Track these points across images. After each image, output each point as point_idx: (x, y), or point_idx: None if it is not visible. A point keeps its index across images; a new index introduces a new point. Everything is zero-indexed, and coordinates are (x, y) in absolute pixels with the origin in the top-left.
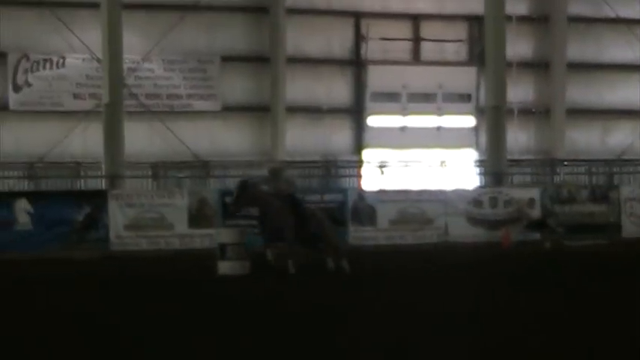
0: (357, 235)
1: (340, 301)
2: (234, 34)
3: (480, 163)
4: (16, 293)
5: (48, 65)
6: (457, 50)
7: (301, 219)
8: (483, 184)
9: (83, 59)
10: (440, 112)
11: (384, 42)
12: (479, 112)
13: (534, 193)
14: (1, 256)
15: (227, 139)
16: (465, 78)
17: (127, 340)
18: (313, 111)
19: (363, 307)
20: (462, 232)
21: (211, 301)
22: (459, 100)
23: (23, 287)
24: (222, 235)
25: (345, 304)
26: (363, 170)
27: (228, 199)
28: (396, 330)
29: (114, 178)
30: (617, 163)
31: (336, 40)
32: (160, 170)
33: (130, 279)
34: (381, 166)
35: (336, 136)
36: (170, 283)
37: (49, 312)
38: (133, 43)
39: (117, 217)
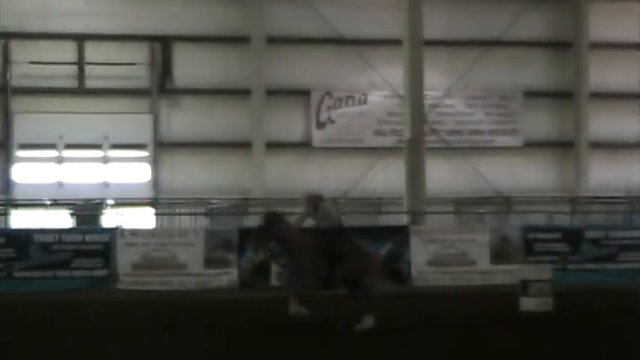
0: None
1: None
2: (536, 70)
3: None
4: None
5: (350, 102)
6: None
7: (339, 260)
8: None
9: (385, 96)
10: None
11: None
12: None
13: None
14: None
15: (529, 175)
16: None
17: None
18: (617, 146)
19: None
20: None
21: (513, 338)
22: None
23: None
24: (525, 271)
25: None
26: None
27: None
28: None
29: (415, 214)
30: None
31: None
32: (462, 206)
33: (431, 315)
34: None
35: None
36: (472, 319)
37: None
38: (435, 79)
39: (419, 252)
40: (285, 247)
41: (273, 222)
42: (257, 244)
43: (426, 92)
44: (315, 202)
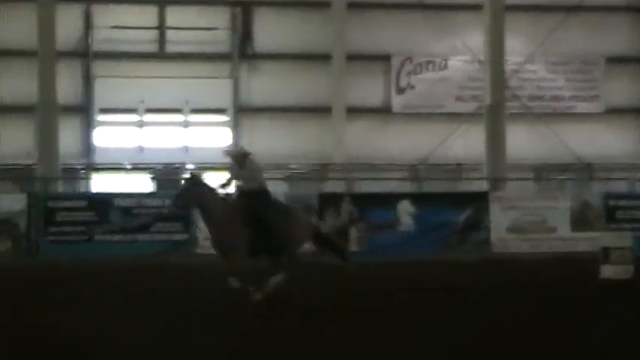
0: None
1: None
2: (618, 35)
3: None
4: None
5: (430, 67)
6: None
7: (265, 224)
8: None
9: (465, 61)
10: None
11: None
12: None
13: None
14: (382, 259)
15: (610, 141)
16: None
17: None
18: None
19: None
20: None
21: (593, 305)
22: None
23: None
24: (606, 238)
25: None
26: None
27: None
28: None
29: (495, 181)
30: None
31: None
32: (543, 173)
33: (510, 282)
34: None
35: None
36: (551, 286)
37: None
38: (515, 44)
39: (498, 219)
40: (207, 214)
41: (196, 187)
42: (173, 205)
43: (506, 58)
44: (240, 159)
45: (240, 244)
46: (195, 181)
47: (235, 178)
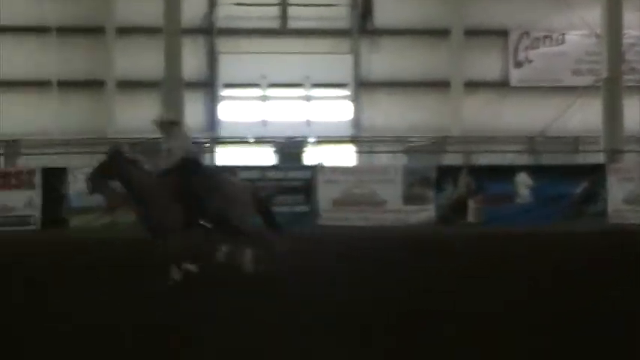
0: None
1: None
2: None
3: None
4: (512, 264)
5: (548, 42)
6: None
7: (198, 197)
8: None
9: (582, 35)
10: None
11: None
12: None
13: None
14: (499, 230)
15: None
16: None
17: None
18: None
19: None
20: None
21: None
22: None
23: (527, 259)
24: None
25: None
26: None
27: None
28: None
29: (613, 153)
30: None
31: None
32: None
33: (626, 252)
34: None
35: None
36: None
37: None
38: (632, 18)
39: (615, 191)
40: (133, 190)
41: (118, 160)
42: (95, 182)
43: (624, 31)
44: (167, 128)
45: (174, 223)
46: (116, 153)
47: (167, 148)
